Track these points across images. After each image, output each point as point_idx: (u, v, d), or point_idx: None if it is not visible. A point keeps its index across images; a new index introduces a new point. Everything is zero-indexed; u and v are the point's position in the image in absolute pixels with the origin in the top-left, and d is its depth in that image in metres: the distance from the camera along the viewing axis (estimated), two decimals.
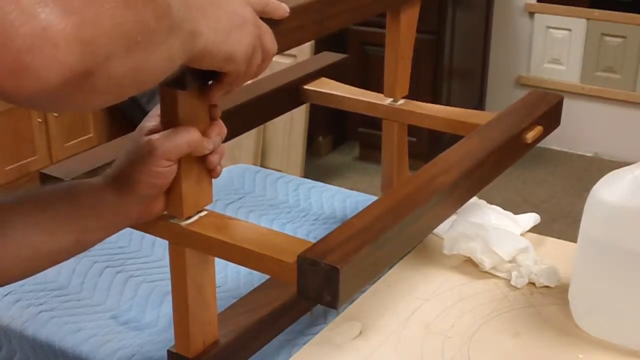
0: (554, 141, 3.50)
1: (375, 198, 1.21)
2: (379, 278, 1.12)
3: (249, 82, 0.79)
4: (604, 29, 3.40)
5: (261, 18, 0.77)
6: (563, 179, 3.38)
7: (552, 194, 3.25)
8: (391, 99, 1.24)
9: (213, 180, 0.85)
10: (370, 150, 3.43)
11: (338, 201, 1.41)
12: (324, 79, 1.29)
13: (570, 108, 3.13)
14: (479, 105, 3.70)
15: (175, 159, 0.79)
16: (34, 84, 0.53)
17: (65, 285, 1.17)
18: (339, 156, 3.63)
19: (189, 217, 0.85)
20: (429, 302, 1.07)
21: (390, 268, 1.14)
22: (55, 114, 3.06)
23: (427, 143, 3.21)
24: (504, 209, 1.25)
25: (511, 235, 1.14)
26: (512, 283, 1.09)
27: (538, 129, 1.08)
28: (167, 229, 0.85)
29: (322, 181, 1.58)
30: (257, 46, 0.75)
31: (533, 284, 1.09)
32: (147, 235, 1.10)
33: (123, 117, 3.30)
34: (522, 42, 3.61)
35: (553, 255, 1.14)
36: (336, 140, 3.68)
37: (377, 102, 1.24)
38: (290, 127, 3.22)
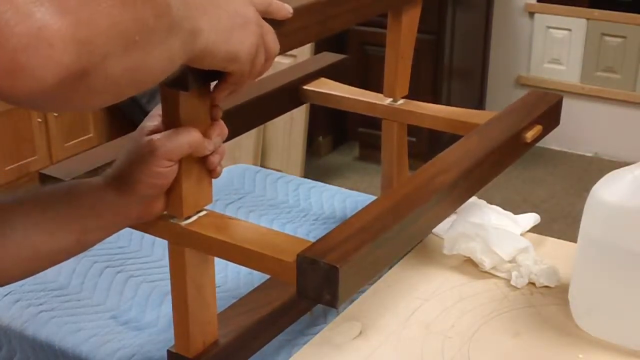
0: (553, 141, 3.50)
1: (375, 198, 1.21)
2: (379, 278, 1.12)
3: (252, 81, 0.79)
4: (604, 29, 3.40)
5: (264, 18, 0.76)
6: (563, 179, 3.38)
7: (552, 194, 3.25)
8: (391, 99, 1.24)
9: (213, 180, 0.85)
10: (370, 150, 3.43)
11: (338, 201, 1.41)
12: (323, 79, 1.29)
13: (570, 108, 3.13)
14: (479, 105, 3.70)
15: (176, 159, 0.79)
16: (30, 84, 0.52)
17: (65, 285, 1.17)
18: (339, 156, 3.63)
19: (189, 217, 0.85)
20: (429, 302, 1.07)
21: (390, 268, 1.14)
22: (55, 114, 3.05)
23: (427, 143, 3.21)
24: (504, 208, 1.25)
25: (511, 235, 1.14)
26: (512, 283, 1.09)
27: (537, 129, 1.08)
28: (167, 228, 0.85)
29: (322, 181, 1.58)
30: (260, 46, 0.75)
31: (533, 284, 1.09)
32: (147, 235, 1.10)
33: (123, 117, 3.30)
34: (522, 42, 3.61)
35: (553, 255, 1.14)
36: (336, 140, 3.68)
37: (377, 102, 1.24)
38: (290, 127, 3.22)
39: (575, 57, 3.49)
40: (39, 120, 3.02)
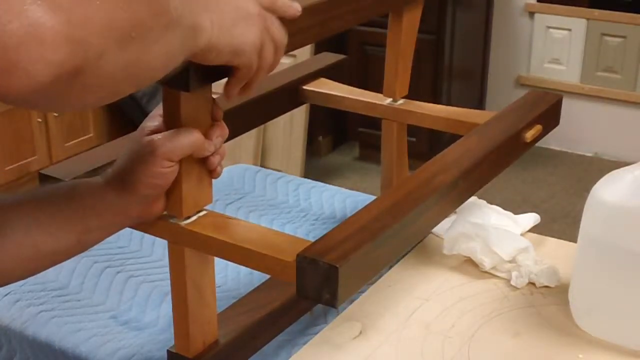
0: (553, 141, 3.50)
1: (375, 198, 1.21)
2: (379, 278, 1.12)
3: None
4: (604, 29, 3.40)
5: None
6: (563, 179, 3.38)
7: (552, 194, 3.25)
8: (391, 99, 1.24)
9: (213, 180, 0.85)
10: (370, 150, 3.43)
11: (338, 201, 1.41)
12: (323, 79, 1.29)
13: (570, 108, 3.13)
14: (479, 105, 3.70)
15: (177, 159, 0.79)
16: (24, 82, 0.52)
17: (65, 285, 1.17)
18: (339, 156, 3.63)
19: (189, 217, 0.85)
20: (429, 302, 1.07)
21: (390, 268, 1.14)
22: (55, 114, 3.05)
23: (426, 143, 3.21)
24: (504, 209, 1.25)
25: (511, 235, 1.14)
26: (512, 283, 1.09)
27: (537, 128, 1.08)
28: (167, 228, 0.85)
29: (322, 181, 1.58)
30: (266, 37, 0.74)
31: (533, 284, 1.09)
32: (147, 235, 1.10)
33: (123, 117, 3.30)
34: (522, 42, 3.61)
35: (553, 255, 1.14)
36: (336, 140, 3.68)
37: (377, 102, 1.24)
38: (290, 127, 3.22)
39: (575, 57, 3.49)
40: (39, 120, 3.02)
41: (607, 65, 3.44)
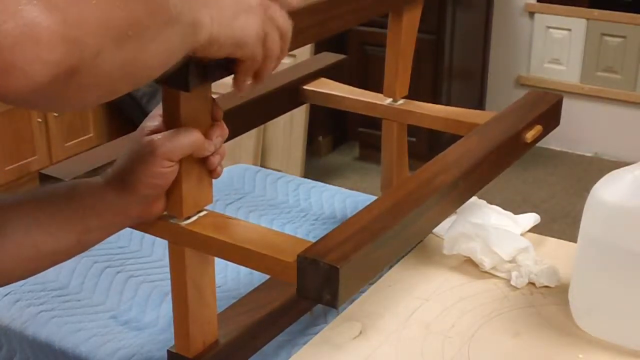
0: (554, 141, 3.50)
1: (375, 198, 1.21)
2: (379, 278, 1.12)
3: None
4: (604, 29, 3.40)
5: None
6: (563, 179, 3.38)
7: (552, 194, 3.25)
8: (391, 99, 1.24)
9: (213, 180, 0.85)
10: (370, 150, 3.43)
11: (338, 201, 1.41)
12: (323, 79, 1.29)
13: (570, 108, 3.13)
14: (479, 105, 3.70)
15: (177, 159, 0.78)
16: (21, 82, 0.52)
17: (65, 285, 1.17)
18: (339, 156, 3.63)
19: (189, 217, 0.85)
20: (429, 302, 1.07)
21: (390, 268, 1.14)
22: (55, 114, 3.05)
23: (427, 143, 3.21)
24: (504, 209, 1.25)
25: (511, 235, 1.14)
26: (512, 283, 1.09)
27: (537, 129, 1.08)
28: (167, 228, 0.85)
29: (322, 181, 1.58)
30: (269, 26, 0.73)
31: (533, 284, 1.09)
32: (147, 235, 1.10)
33: (123, 117, 3.30)
34: (522, 42, 3.61)
35: (553, 255, 1.14)
36: (336, 140, 3.68)
37: (377, 102, 1.24)
38: (290, 127, 3.22)
39: (575, 57, 3.49)
40: (39, 120, 3.02)
41: (607, 65, 3.44)
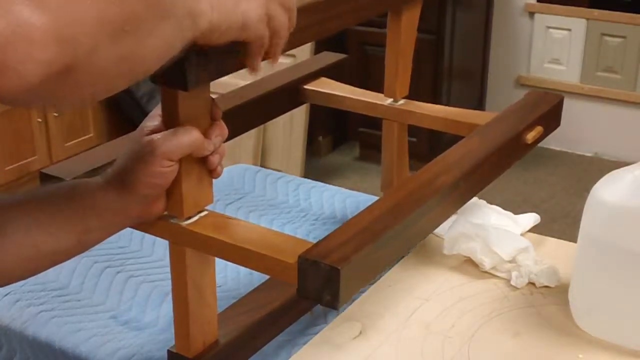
0: (554, 141, 3.50)
1: (375, 198, 1.21)
2: (379, 278, 1.12)
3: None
4: (604, 29, 3.40)
5: None
6: (563, 179, 3.38)
7: (552, 194, 3.25)
8: (391, 99, 1.24)
9: (213, 180, 0.85)
10: (370, 150, 3.43)
11: (338, 201, 1.41)
12: (323, 79, 1.29)
13: (570, 108, 3.12)
14: (479, 105, 3.70)
15: (176, 159, 0.78)
16: (14, 82, 0.51)
17: (66, 285, 1.17)
18: (339, 156, 3.63)
19: (189, 217, 0.85)
20: (429, 302, 1.07)
21: (391, 268, 1.14)
22: (55, 114, 3.05)
23: (427, 143, 3.21)
24: (504, 209, 1.25)
25: (511, 235, 1.14)
26: (512, 283, 1.09)
27: (538, 129, 1.08)
28: (167, 228, 0.85)
29: (322, 181, 1.58)
30: (272, 4, 0.72)
31: (533, 284, 1.09)
32: (148, 235, 1.10)
33: (123, 117, 3.30)
34: (522, 42, 3.61)
35: (553, 255, 1.14)
36: (336, 140, 3.68)
37: (377, 102, 1.24)
38: (290, 127, 3.22)
39: (575, 57, 3.49)
40: (39, 120, 3.02)
41: (607, 65, 3.44)
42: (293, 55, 2.92)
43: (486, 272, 1.12)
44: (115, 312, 1.11)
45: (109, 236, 0.82)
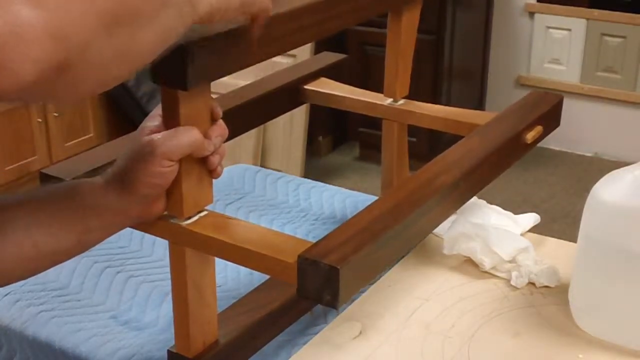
0: (554, 141, 3.50)
1: (375, 198, 1.21)
2: (379, 278, 1.12)
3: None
4: (603, 29, 3.40)
5: None
6: (563, 179, 3.38)
7: (552, 194, 3.25)
8: (391, 99, 1.24)
9: (213, 180, 0.85)
10: (370, 150, 3.43)
11: (338, 201, 1.41)
12: (323, 79, 1.29)
13: (570, 108, 3.12)
14: (479, 105, 3.70)
15: (176, 159, 0.78)
16: (10, 81, 0.51)
17: (66, 285, 1.17)
18: (339, 156, 3.63)
19: (189, 217, 0.85)
20: (429, 302, 1.07)
21: (391, 268, 1.14)
22: (55, 114, 3.05)
23: (427, 143, 3.21)
24: (504, 209, 1.25)
25: (511, 235, 1.14)
26: (512, 283, 1.09)
27: (538, 129, 1.08)
28: (167, 228, 0.85)
29: (322, 181, 1.58)
30: None
31: (533, 284, 1.09)
32: (148, 235, 1.10)
33: (123, 117, 3.30)
34: (522, 42, 3.61)
35: (553, 255, 1.14)
36: (336, 140, 3.68)
37: (377, 102, 1.24)
38: (290, 127, 3.22)
39: (575, 57, 3.49)
40: (39, 120, 3.02)
41: (607, 65, 3.44)
42: (293, 55, 2.92)
43: (486, 272, 1.12)
44: (115, 312, 1.11)
45: (109, 236, 0.82)
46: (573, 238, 1.08)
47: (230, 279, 1.17)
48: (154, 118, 0.80)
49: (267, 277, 1.03)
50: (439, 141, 3.14)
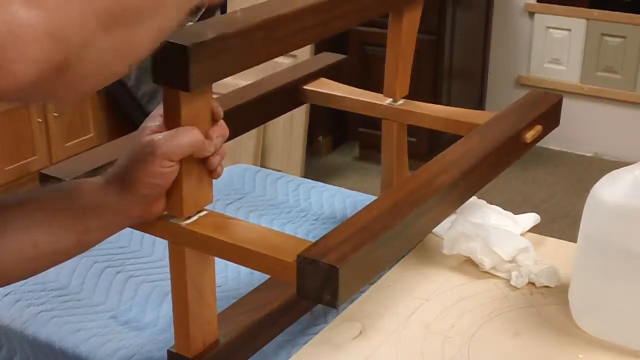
0: (553, 141, 3.50)
1: (375, 198, 1.21)
2: (379, 278, 1.12)
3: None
4: (603, 29, 3.40)
5: None
6: (563, 179, 3.38)
7: (552, 194, 3.25)
8: (391, 99, 1.24)
9: (213, 180, 0.86)
10: (370, 150, 3.43)
11: (338, 201, 1.41)
12: (323, 79, 1.29)
13: (570, 108, 3.13)
14: (479, 105, 3.70)
15: (177, 159, 0.79)
16: (9, 81, 0.50)
17: (66, 285, 1.17)
18: (339, 156, 3.63)
19: (189, 217, 0.85)
20: (429, 302, 1.07)
21: (390, 268, 1.14)
22: (55, 114, 3.05)
23: (427, 143, 3.21)
24: (504, 209, 1.25)
25: (511, 235, 1.14)
26: (512, 283, 1.09)
27: (537, 129, 1.08)
28: (167, 228, 0.85)
29: (322, 181, 1.58)
30: None
31: (533, 284, 1.09)
32: (148, 235, 1.10)
33: (123, 117, 3.30)
34: (522, 42, 3.61)
35: (553, 255, 1.14)
36: (336, 140, 3.68)
37: (377, 102, 1.24)
38: (290, 127, 3.22)
39: (575, 57, 3.49)
40: (39, 120, 3.02)
41: (607, 65, 3.44)
42: (293, 56, 2.92)
43: (486, 272, 1.12)
44: (115, 312, 1.11)
45: (109, 236, 0.82)
46: (573, 238, 1.08)
47: (230, 279, 1.17)
48: (155, 118, 0.80)
49: (267, 277, 1.03)
50: (438, 141, 3.14)
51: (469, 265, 1.14)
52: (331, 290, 0.75)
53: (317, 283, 0.75)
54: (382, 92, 1.25)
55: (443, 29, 3.26)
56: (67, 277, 1.18)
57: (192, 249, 0.85)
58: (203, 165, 0.82)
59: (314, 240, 0.79)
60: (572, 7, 3.43)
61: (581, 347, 0.98)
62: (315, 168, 3.41)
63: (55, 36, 0.51)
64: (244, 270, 1.16)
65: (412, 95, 1.25)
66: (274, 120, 1.34)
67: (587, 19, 3.42)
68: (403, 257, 1.16)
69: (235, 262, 0.85)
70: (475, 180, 0.98)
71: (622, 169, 0.97)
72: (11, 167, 2.96)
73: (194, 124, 0.79)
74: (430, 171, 0.94)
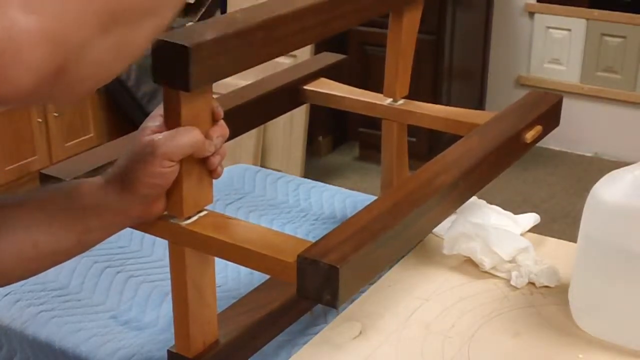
0: (554, 141, 3.50)
1: (375, 198, 1.21)
2: (379, 278, 1.12)
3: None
4: (603, 29, 3.40)
5: None
6: (563, 179, 3.38)
7: (552, 194, 3.25)
8: (391, 99, 1.24)
9: (213, 180, 0.86)
10: (370, 150, 3.43)
11: (338, 201, 1.41)
12: (323, 79, 1.29)
13: (570, 108, 3.13)
14: (479, 105, 3.70)
15: (177, 159, 0.79)
16: (10, 89, 0.50)
17: (66, 285, 1.17)
18: (339, 156, 3.63)
19: (189, 217, 0.85)
20: (429, 302, 1.07)
21: (391, 268, 1.14)
22: (55, 114, 3.05)
23: (427, 143, 3.21)
24: (504, 209, 1.25)
25: (511, 235, 1.14)
26: (512, 283, 1.09)
27: (537, 129, 1.08)
28: (167, 228, 0.85)
29: (322, 181, 1.58)
30: None
31: (533, 284, 1.09)
32: (148, 235, 1.10)
33: (123, 117, 3.30)
34: (522, 42, 3.61)
35: (553, 255, 1.14)
36: (336, 140, 3.68)
37: (377, 102, 1.24)
38: (290, 127, 3.22)
39: (575, 57, 3.49)
40: (39, 120, 3.02)
41: (607, 65, 3.44)
42: (294, 56, 2.92)
43: (486, 272, 1.12)
44: (115, 312, 1.11)
45: (109, 236, 0.82)
46: (573, 238, 1.08)
47: (230, 279, 1.17)
48: (155, 118, 0.80)
49: (267, 277, 1.03)
50: (438, 141, 3.14)
51: (469, 265, 1.14)
52: (331, 290, 0.75)
53: (317, 283, 0.75)
54: (382, 92, 1.25)
55: (443, 29, 3.26)
56: (67, 277, 1.18)
57: (192, 249, 0.86)
58: (203, 165, 0.83)
59: (314, 241, 0.79)
60: (572, 7, 3.43)
61: (581, 347, 0.98)
62: (315, 168, 3.41)
63: (54, 40, 0.51)
64: (244, 270, 1.16)
65: (412, 95, 1.26)
66: (274, 120, 1.35)
67: (587, 19, 3.42)
68: (403, 257, 1.16)
69: (235, 262, 0.85)
70: (475, 180, 0.98)
71: (622, 169, 0.97)
72: (11, 167, 2.96)
73: (194, 124, 0.79)
74: (430, 171, 0.94)
